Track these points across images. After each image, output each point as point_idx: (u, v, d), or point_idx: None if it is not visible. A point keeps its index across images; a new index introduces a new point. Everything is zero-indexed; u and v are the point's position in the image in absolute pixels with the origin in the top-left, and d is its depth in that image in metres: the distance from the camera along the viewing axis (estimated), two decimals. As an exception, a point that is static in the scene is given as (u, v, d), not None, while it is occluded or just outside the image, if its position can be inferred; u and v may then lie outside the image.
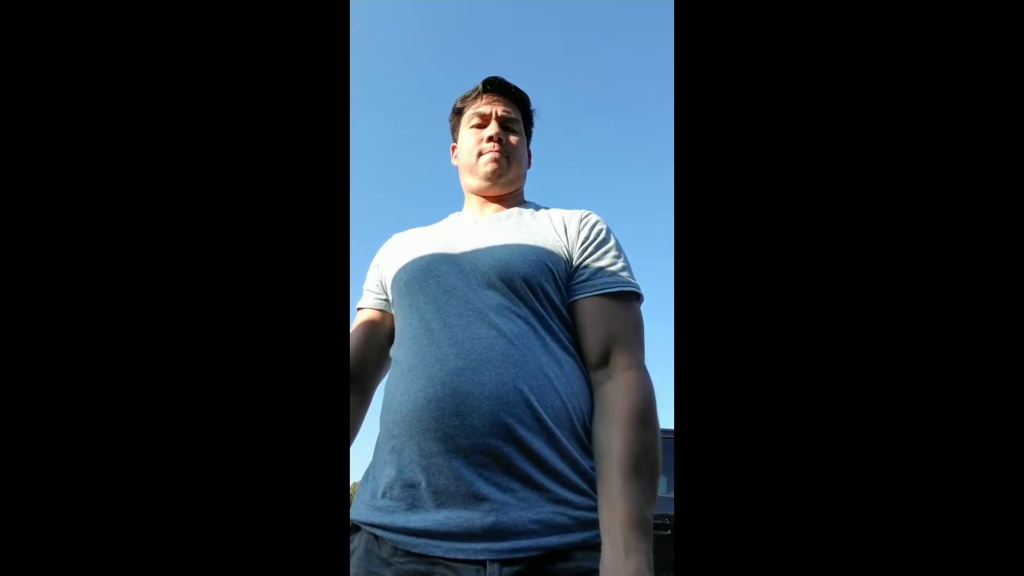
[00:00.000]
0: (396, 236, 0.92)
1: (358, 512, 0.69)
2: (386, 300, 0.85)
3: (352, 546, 0.67)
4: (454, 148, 0.96)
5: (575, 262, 0.77)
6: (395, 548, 0.63)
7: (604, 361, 0.72)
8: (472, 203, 0.92)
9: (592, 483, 0.66)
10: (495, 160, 0.86)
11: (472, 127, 0.90)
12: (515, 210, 0.88)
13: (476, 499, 0.61)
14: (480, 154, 0.88)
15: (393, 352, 0.78)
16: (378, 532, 0.65)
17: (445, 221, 0.92)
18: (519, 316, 0.71)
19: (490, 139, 0.87)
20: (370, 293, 0.88)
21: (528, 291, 0.72)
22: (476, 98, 0.91)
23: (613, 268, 0.77)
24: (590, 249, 0.78)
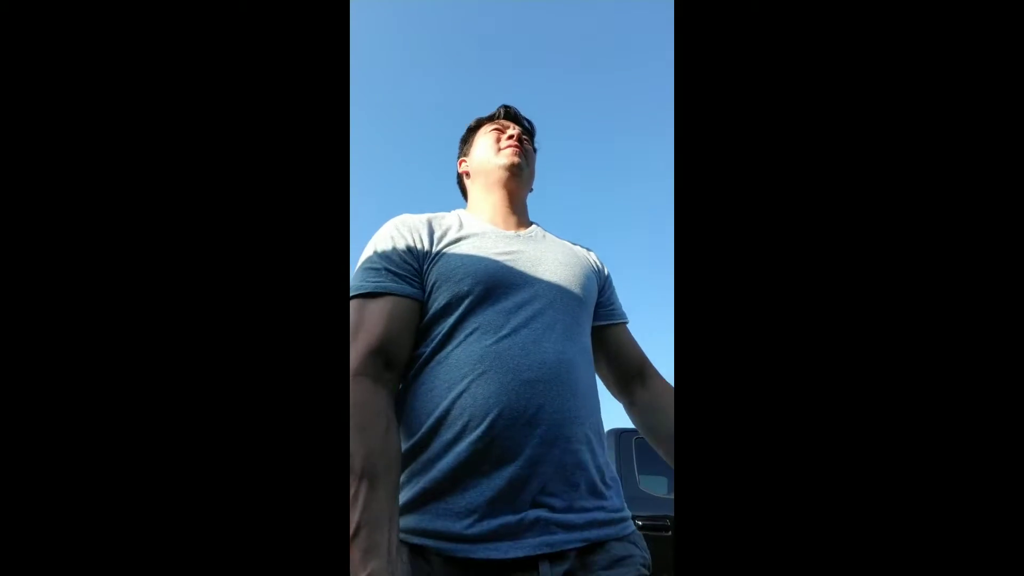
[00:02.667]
0: (416, 220, 0.82)
1: (402, 523, 0.65)
2: (422, 288, 0.76)
3: None
4: (463, 161, 0.99)
5: (602, 293, 0.90)
6: (445, 559, 0.61)
7: (640, 373, 0.88)
8: (487, 208, 0.89)
9: (614, 487, 0.75)
10: (516, 153, 0.90)
11: (491, 131, 0.94)
12: (539, 230, 0.91)
13: (533, 505, 0.65)
14: (500, 149, 0.91)
15: (439, 351, 0.72)
16: (429, 543, 0.62)
17: (472, 223, 0.85)
18: (577, 336, 0.77)
19: (511, 137, 0.92)
20: (395, 277, 0.75)
21: (584, 314, 0.81)
22: (495, 119, 0.98)
23: (619, 300, 0.93)
24: (608, 284, 0.93)
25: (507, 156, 0.90)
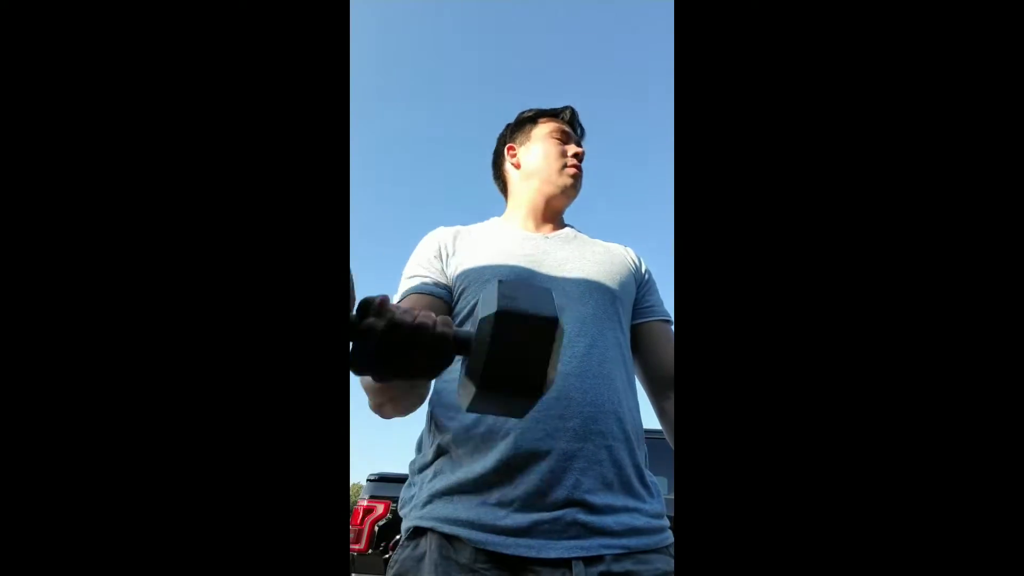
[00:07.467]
0: (446, 231, 0.86)
1: (433, 511, 0.66)
2: (447, 288, 0.80)
3: (418, 551, 0.65)
4: (512, 149, 0.95)
5: (639, 291, 0.87)
6: (477, 551, 0.62)
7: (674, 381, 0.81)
8: (522, 212, 0.90)
9: (653, 492, 0.72)
10: (575, 176, 0.89)
11: (554, 138, 0.92)
12: (571, 231, 0.91)
13: (567, 503, 0.64)
14: (564, 166, 0.89)
15: None
16: (462, 532, 0.63)
17: (500, 228, 0.89)
18: (609, 330, 0.76)
19: (575, 155, 0.90)
20: (425, 281, 0.80)
21: (618, 309, 0.79)
22: (558, 117, 0.94)
23: (660, 299, 0.90)
24: (649, 280, 0.90)
25: (568, 177, 0.89)
